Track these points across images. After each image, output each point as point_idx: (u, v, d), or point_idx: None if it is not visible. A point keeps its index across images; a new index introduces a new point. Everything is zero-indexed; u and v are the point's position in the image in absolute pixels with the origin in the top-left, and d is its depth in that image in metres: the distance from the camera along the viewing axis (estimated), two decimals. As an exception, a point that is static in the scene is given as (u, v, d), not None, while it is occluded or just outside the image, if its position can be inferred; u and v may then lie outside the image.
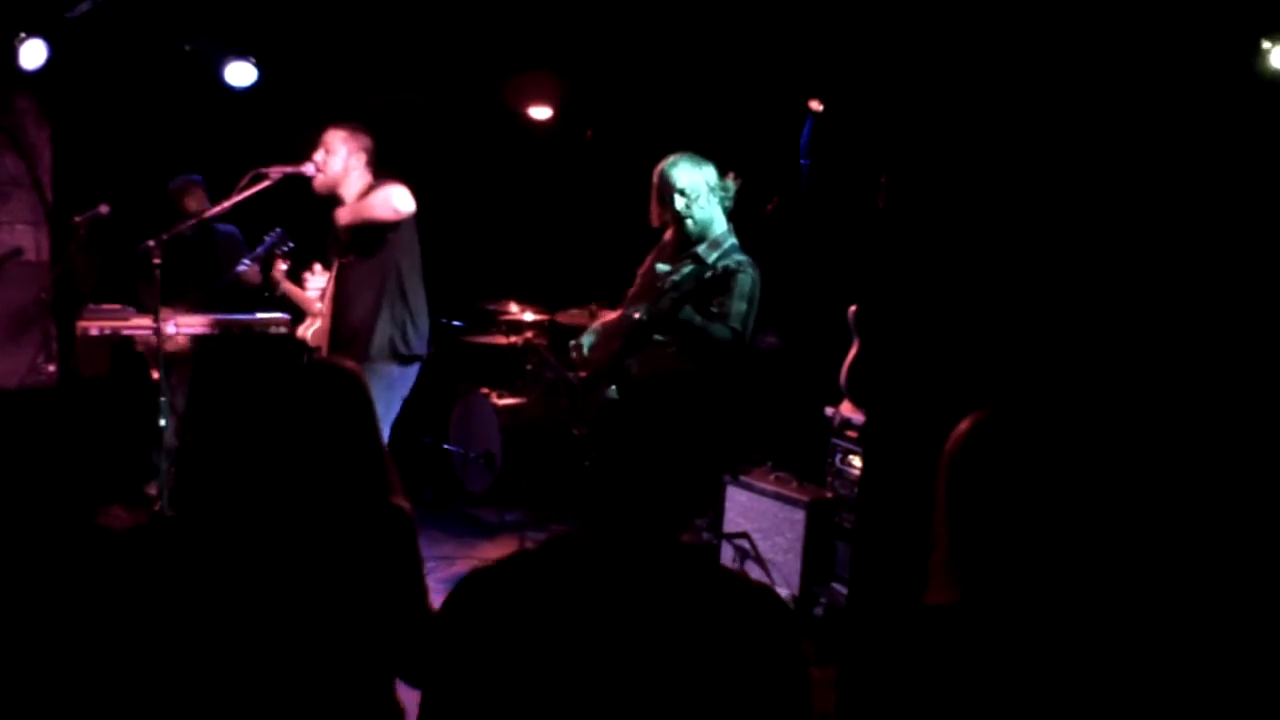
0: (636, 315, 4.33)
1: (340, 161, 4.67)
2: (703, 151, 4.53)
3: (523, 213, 6.92)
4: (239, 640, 2.24)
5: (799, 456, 4.94)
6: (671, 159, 4.38)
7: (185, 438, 2.38)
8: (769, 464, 4.89)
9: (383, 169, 4.76)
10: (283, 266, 5.31)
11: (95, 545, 2.68)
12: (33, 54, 5.52)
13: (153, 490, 4.73)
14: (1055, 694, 1.68)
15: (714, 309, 4.22)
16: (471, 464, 6.40)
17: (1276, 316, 2.97)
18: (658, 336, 4.32)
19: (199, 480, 2.39)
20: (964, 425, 1.85)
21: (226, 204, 4.65)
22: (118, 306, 5.17)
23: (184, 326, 5.07)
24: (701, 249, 4.31)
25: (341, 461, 2.38)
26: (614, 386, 4.34)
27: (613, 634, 1.71)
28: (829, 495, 4.60)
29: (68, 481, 2.66)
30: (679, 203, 4.33)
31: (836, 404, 4.72)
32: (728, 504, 4.85)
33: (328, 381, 2.45)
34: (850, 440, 4.61)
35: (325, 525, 2.33)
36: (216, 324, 5.15)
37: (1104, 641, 1.70)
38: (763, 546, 4.62)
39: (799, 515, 4.56)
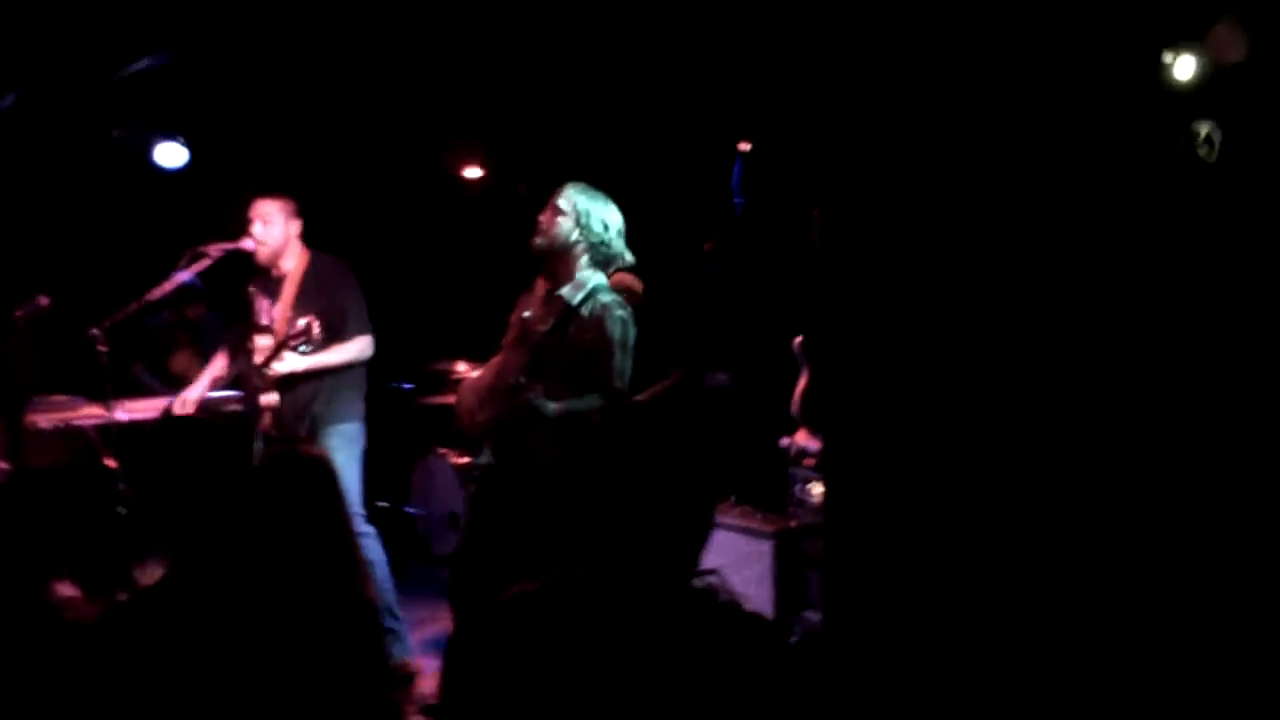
0: (513, 379, 3.98)
1: (279, 231, 4.70)
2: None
3: (462, 271, 6.95)
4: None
5: (758, 489, 5.00)
6: (577, 185, 4.06)
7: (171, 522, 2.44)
8: (731, 499, 4.95)
9: (315, 236, 4.82)
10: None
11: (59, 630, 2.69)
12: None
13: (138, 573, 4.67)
14: None
15: (589, 375, 3.91)
16: (436, 525, 6.38)
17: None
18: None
19: (194, 560, 2.41)
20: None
21: (167, 286, 4.65)
22: (65, 397, 5.12)
23: (135, 413, 5.02)
24: (565, 291, 3.98)
25: (315, 550, 2.42)
26: (487, 451, 4.03)
27: (618, 674, 1.73)
28: (793, 524, 4.67)
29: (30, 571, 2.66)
30: (565, 224, 3.98)
31: (791, 434, 4.80)
32: (694, 542, 4.89)
33: (299, 470, 2.49)
34: (808, 468, 4.69)
35: (295, 614, 2.36)
36: (167, 409, 5.10)
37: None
38: (733, 581, 4.64)
39: (766, 546, 4.61)
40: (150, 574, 4.69)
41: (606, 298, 3.96)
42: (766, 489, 4.99)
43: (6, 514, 2.55)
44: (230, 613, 2.34)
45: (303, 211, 4.79)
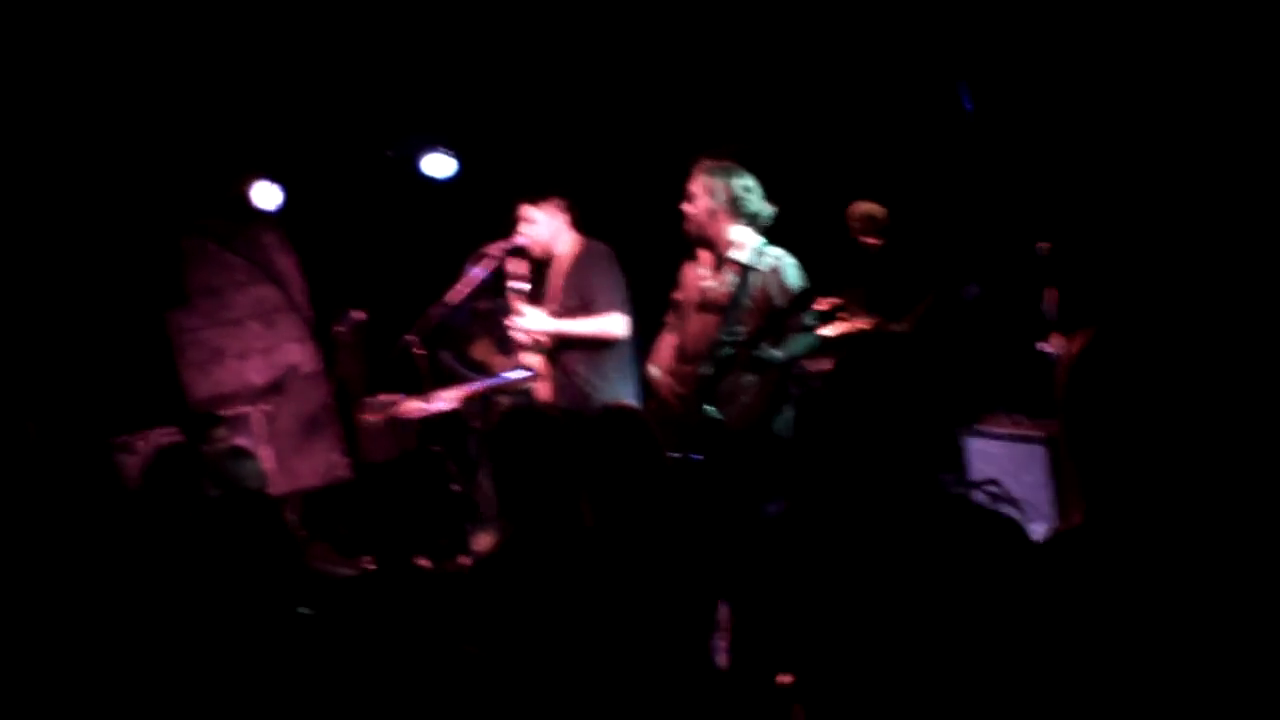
0: (715, 339, 4.41)
1: (544, 229, 5.19)
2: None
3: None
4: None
5: (1026, 396, 5.08)
6: (703, 165, 4.53)
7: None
8: (1000, 409, 5.06)
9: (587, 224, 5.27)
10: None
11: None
12: (265, 195, 6.22)
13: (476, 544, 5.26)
14: (1180, 617, 1.60)
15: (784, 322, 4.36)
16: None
17: None
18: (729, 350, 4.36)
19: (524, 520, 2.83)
20: (1075, 345, 1.78)
21: (463, 288, 5.19)
22: (390, 396, 5.79)
23: (449, 401, 5.62)
24: (734, 254, 4.47)
25: (641, 482, 2.79)
26: (710, 406, 4.34)
27: (883, 576, 1.96)
28: (1063, 426, 4.74)
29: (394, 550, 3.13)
30: (704, 203, 4.46)
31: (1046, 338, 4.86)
32: (970, 456, 5.04)
33: (622, 422, 2.88)
34: (1071, 370, 4.75)
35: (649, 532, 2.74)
36: (475, 392, 5.69)
37: (1230, 561, 1.61)
38: (1012, 488, 4.79)
39: (1039, 450, 4.73)
40: (483, 541, 5.30)
41: (775, 250, 4.46)
42: (1034, 394, 5.06)
43: (353, 505, 2.99)
44: (573, 562, 2.70)
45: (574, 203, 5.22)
